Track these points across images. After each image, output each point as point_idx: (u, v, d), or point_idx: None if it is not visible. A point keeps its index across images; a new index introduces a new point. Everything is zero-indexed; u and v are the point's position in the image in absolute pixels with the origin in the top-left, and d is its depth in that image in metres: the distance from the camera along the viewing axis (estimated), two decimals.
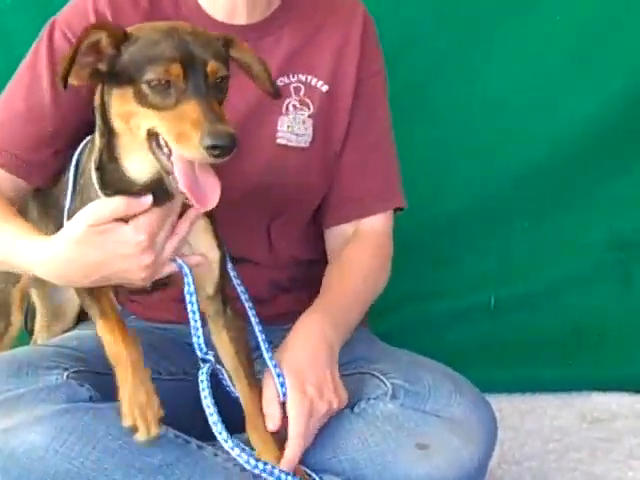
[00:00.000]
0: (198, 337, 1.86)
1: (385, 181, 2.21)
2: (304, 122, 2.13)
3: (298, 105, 2.12)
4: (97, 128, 1.80)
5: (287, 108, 2.12)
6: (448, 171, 2.81)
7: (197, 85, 1.65)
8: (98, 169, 1.79)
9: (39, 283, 2.25)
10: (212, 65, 1.67)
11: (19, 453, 1.78)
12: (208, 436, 1.87)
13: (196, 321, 1.84)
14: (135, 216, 1.76)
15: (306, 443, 1.86)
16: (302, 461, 1.89)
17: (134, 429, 1.77)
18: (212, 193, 1.69)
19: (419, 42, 2.74)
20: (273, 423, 1.86)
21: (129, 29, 1.72)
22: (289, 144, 2.12)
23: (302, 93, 2.12)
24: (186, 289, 1.83)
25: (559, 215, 2.86)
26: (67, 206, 1.88)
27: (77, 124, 2.01)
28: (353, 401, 1.94)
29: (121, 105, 1.71)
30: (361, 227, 2.18)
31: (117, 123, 1.73)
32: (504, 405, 2.69)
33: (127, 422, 1.77)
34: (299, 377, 1.87)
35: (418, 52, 2.75)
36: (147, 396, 1.78)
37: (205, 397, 1.82)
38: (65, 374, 1.85)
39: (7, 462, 1.78)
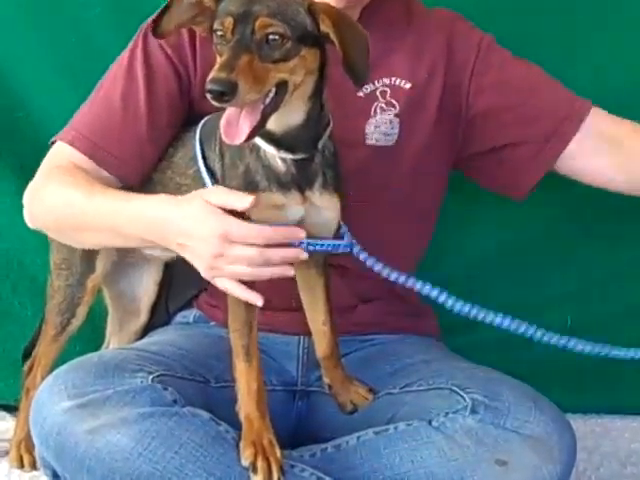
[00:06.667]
0: None
1: (564, 103, 2.25)
2: (391, 122, 2.17)
3: (385, 107, 2.17)
4: None
5: (375, 111, 2.16)
6: None
7: (240, 39, 1.74)
8: None
9: (112, 278, 2.24)
10: (262, 20, 1.75)
11: (104, 453, 1.81)
12: (294, 445, 1.91)
13: None
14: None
15: None
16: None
17: (252, 469, 1.81)
18: (241, 132, 1.75)
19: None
20: None
21: None
22: (377, 144, 2.17)
23: (388, 95, 2.17)
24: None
25: (638, 235, 2.83)
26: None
27: (169, 130, 2.07)
28: (432, 415, 1.94)
29: None
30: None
31: None
32: (579, 426, 2.63)
33: (246, 461, 1.82)
34: None
35: None
36: (270, 443, 1.84)
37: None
38: (150, 377, 1.88)
39: (92, 462, 1.81)
